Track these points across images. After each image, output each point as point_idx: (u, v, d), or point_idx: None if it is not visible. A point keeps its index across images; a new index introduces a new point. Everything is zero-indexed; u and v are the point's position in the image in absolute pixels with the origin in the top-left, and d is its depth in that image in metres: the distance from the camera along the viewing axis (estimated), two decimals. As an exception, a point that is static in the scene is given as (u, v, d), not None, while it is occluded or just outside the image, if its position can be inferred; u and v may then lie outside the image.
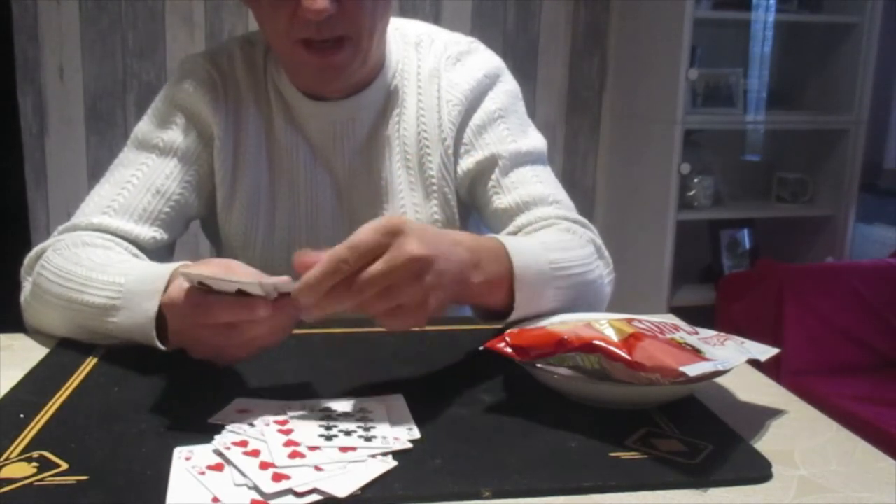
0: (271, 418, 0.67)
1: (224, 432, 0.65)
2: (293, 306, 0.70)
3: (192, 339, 0.74)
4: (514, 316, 0.85)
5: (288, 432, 0.65)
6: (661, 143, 2.61)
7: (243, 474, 0.59)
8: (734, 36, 2.87)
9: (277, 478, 0.58)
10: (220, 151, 1.03)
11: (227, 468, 0.60)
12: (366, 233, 0.68)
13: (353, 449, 0.63)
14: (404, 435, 0.66)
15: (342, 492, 0.57)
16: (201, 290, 0.70)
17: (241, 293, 0.69)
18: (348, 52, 0.96)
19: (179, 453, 0.62)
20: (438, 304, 0.72)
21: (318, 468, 0.60)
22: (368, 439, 0.64)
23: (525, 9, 2.78)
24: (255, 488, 0.57)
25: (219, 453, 0.62)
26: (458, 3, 2.72)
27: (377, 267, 0.68)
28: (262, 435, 0.64)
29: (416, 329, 0.72)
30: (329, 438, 0.64)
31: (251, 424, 0.66)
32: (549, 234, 0.98)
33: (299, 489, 0.57)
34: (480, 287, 0.81)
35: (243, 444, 0.63)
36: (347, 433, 0.65)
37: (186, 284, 0.71)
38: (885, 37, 2.70)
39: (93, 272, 0.87)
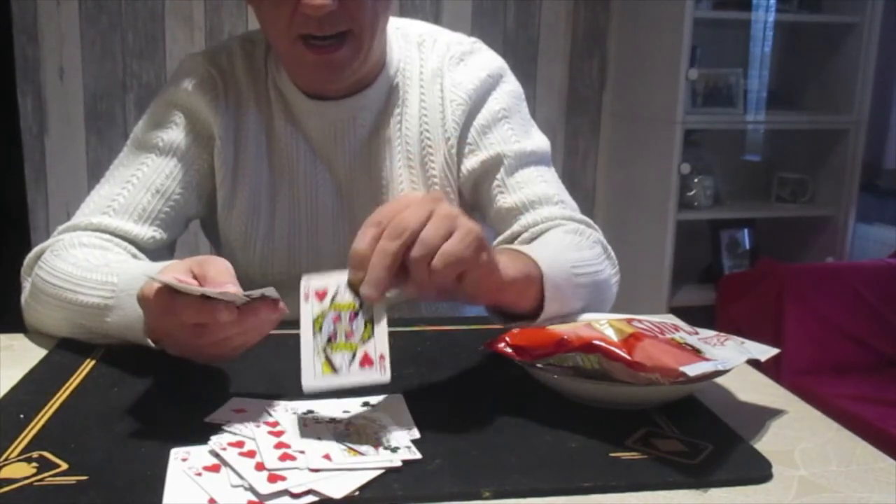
0: (262, 420, 0.67)
1: (220, 432, 0.65)
2: (263, 310, 0.71)
3: (166, 336, 0.74)
4: (541, 318, 0.83)
5: (279, 434, 0.65)
6: (661, 143, 2.61)
7: (239, 475, 0.59)
8: (734, 36, 2.87)
9: (273, 479, 0.58)
10: (220, 151, 1.03)
11: (224, 469, 0.60)
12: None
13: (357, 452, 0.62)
14: (405, 440, 0.65)
15: (338, 493, 0.57)
16: (169, 291, 0.70)
17: (205, 297, 0.69)
18: (349, 49, 0.95)
19: (176, 454, 0.62)
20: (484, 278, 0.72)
21: (313, 469, 0.59)
22: (378, 446, 0.64)
23: (525, 9, 2.78)
24: (251, 489, 0.57)
25: (215, 454, 0.62)
26: (458, 2, 2.72)
27: (455, 248, 0.68)
28: (254, 436, 0.64)
29: (417, 328, 0.72)
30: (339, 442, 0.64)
31: (246, 425, 0.66)
32: (557, 236, 0.98)
33: (295, 490, 0.57)
34: (516, 283, 0.79)
35: (239, 444, 0.63)
36: (357, 438, 0.65)
37: (156, 284, 0.71)
38: (885, 37, 2.69)
39: (88, 272, 0.87)
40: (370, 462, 0.61)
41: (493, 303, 0.83)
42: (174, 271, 0.74)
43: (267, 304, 0.71)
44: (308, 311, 0.67)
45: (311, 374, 0.66)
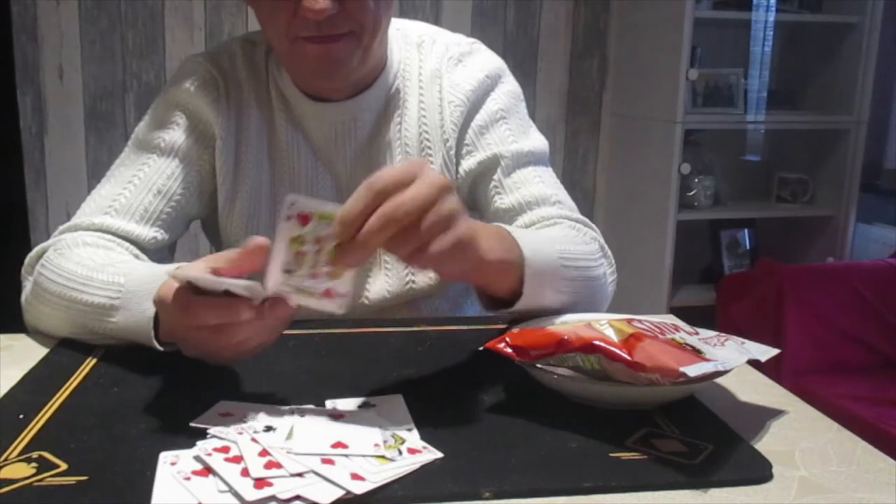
0: (247, 425, 0.65)
1: (207, 437, 0.64)
2: (282, 308, 0.70)
3: (182, 339, 0.74)
4: (520, 303, 0.83)
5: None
6: (661, 143, 2.61)
7: (225, 482, 0.58)
8: (734, 36, 2.87)
9: (260, 485, 0.57)
10: (221, 152, 1.03)
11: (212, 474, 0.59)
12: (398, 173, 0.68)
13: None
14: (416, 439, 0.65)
15: (325, 499, 0.56)
16: (189, 291, 0.69)
17: (228, 293, 0.68)
18: (349, 45, 0.95)
19: (165, 458, 0.61)
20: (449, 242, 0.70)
21: (298, 475, 0.58)
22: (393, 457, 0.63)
23: (525, 9, 2.78)
24: (237, 495, 0.56)
25: (199, 459, 0.61)
26: (458, 3, 2.72)
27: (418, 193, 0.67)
28: (237, 441, 0.63)
29: (417, 328, 0.71)
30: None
31: (231, 429, 0.65)
32: (554, 230, 0.99)
33: (282, 496, 0.56)
34: (492, 266, 0.79)
35: (225, 449, 0.62)
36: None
37: (176, 284, 0.71)
38: (885, 37, 2.70)
39: (93, 272, 0.87)
40: (401, 466, 0.61)
41: (465, 281, 0.83)
42: (192, 269, 0.73)
43: (281, 305, 0.70)
44: (286, 230, 0.67)
45: (273, 286, 0.67)
